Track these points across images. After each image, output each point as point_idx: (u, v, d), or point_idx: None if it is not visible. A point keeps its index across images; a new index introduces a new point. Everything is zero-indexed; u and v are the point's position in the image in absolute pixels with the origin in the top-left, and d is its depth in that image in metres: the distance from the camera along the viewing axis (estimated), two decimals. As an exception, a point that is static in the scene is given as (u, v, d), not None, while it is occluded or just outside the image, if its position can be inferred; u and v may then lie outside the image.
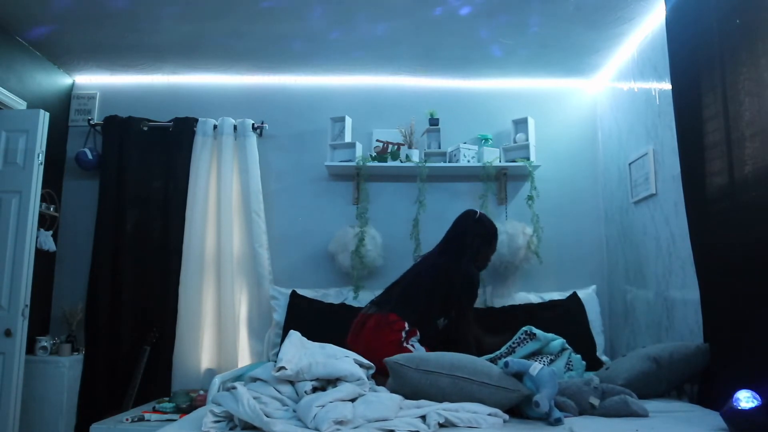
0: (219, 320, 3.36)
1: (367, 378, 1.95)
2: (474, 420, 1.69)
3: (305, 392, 1.75)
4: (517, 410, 1.97)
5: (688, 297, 2.52)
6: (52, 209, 3.40)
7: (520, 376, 1.93)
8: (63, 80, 3.65)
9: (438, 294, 2.70)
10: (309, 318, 3.09)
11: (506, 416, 1.79)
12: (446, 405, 1.75)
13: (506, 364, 1.94)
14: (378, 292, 2.87)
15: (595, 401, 1.96)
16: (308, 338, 2.14)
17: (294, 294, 3.27)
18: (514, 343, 2.51)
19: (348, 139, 3.46)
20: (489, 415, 1.73)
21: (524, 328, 2.53)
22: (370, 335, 2.54)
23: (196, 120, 3.55)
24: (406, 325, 2.54)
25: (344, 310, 3.15)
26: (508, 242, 3.23)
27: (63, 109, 3.63)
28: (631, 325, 3.19)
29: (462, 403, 1.77)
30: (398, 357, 2.02)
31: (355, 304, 3.19)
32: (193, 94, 3.68)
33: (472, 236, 2.84)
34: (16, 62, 3.19)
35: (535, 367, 1.89)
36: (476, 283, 2.78)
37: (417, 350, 2.48)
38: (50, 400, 3.05)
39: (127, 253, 3.42)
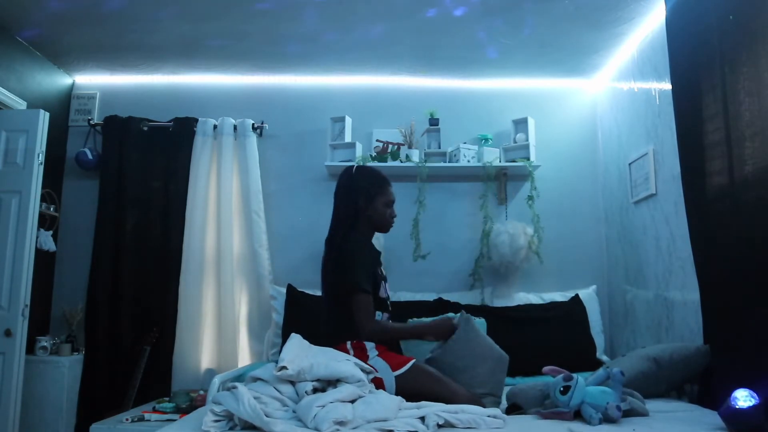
0: (219, 320, 3.36)
1: (367, 381, 1.94)
2: (473, 421, 1.69)
3: (306, 392, 1.75)
4: (517, 409, 1.98)
5: (688, 297, 2.53)
6: (52, 209, 3.40)
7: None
8: (63, 80, 3.65)
9: (328, 284, 2.25)
10: (309, 318, 3.08)
11: (505, 417, 1.79)
12: (446, 407, 1.75)
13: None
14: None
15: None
16: (308, 338, 2.14)
17: (291, 289, 3.23)
18: None
19: (348, 139, 3.46)
20: (489, 416, 1.72)
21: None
22: None
23: (196, 120, 3.55)
24: (348, 343, 2.13)
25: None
26: (510, 242, 3.23)
27: (63, 109, 3.63)
28: (631, 325, 3.19)
29: (462, 405, 1.77)
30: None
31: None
32: (193, 94, 3.68)
33: (346, 195, 2.35)
34: (16, 62, 3.19)
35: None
36: (358, 253, 2.23)
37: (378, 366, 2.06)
38: (50, 400, 3.05)
39: (127, 253, 3.42)
